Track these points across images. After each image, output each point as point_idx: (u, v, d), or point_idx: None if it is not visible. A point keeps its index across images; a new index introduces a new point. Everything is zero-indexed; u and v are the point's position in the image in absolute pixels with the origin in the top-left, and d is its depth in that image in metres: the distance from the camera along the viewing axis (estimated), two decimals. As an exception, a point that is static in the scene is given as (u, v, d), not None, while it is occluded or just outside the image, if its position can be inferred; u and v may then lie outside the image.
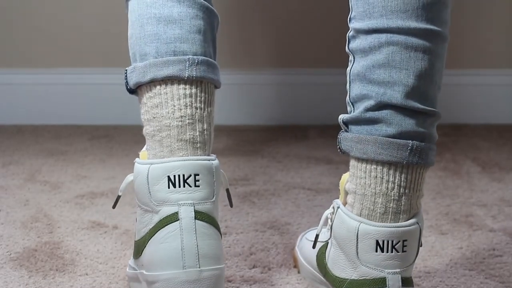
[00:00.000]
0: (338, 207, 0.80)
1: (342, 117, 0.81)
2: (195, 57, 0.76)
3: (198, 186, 0.75)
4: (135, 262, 0.84)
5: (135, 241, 0.83)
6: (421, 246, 0.80)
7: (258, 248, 1.03)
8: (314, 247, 0.87)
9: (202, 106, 0.77)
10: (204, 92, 0.77)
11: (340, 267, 0.80)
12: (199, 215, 0.75)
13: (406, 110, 0.76)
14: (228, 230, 1.10)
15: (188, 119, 0.76)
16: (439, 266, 0.97)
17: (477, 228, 1.11)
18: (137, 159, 0.80)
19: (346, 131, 0.81)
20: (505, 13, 1.77)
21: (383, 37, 0.76)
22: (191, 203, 0.75)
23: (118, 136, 1.67)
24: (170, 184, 0.74)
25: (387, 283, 0.76)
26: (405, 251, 0.77)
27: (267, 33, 1.76)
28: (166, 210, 0.75)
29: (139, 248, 0.81)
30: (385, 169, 0.76)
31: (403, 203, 0.77)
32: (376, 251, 0.76)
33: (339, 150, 0.81)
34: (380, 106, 0.76)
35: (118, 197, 0.87)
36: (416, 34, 0.76)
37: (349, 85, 0.80)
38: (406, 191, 0.77)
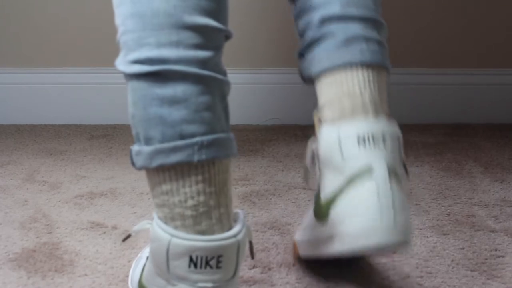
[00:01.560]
0: (321, 128, 0.84)
1: (296, 51, 0.89)
2: (204, 138, 0.70)
3: (220, 268, 0.70)
4: None
5: (143, 284, 0.81)
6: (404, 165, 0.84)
7: (258, 249, 1.03)
8: (306, 181, 0.92)
9: (217, 189, 0.71)
10: (217, 173, 0.71)
11: (329, 185, 0.82)
12: None
13: (346, 18, 0.84)
14: (228, 230, 1.09)
15: (202, 207, 0.70)
16: (441, 267, 0.97)
17: (479, 229, 1.10)
18: (155, 217, 0.73)
19: (301, 57, 0.88)
20: (506, 12, 1.76)
21: None
22: (210, 287, 0.71)
23: (117, 136, 1.66)
24: (192, 264, 0.70)
25: (373, 172, 0.78)
26: (387, 146, 0.79)
27: (267, 33, 1.75)
28: None
29: None
30: (342, 73, 0.82)
31: (367, 96, 0.81)
32: (359, 144, 0.79)
33: (302, 80, 0.89)
34: (324, 21, 0.84)
35: (129, 235, 0.84)
36: None
37: (296, 23, 0.89)
38: (366, 85, 0.82)
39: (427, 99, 1.78)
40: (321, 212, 0.84)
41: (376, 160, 0.78)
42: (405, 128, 1.72)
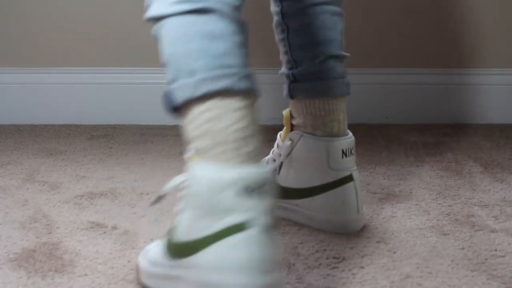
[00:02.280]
0: (302, 136, 1.09)
1: (289, 72, 1.11)
2: (242, 70, 0.77)
3: (264, 197, 0.75)
4: (172, 261, 0.84)
5: (179, 241, 0.81)
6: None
7: (258, 249, 1.03)
8: (279, 173, 1.14)
9: (253, 118, 0.77)
10: (252, 104, 0.78)
11: (305, 179, 1.09)
12: (265, 226, 0.75)
13: (339, 57, 1.09)
14: (228, 230, 1.09)
15: (243, 132, 0.76)
16: (441, 267, 0.97)
17: (479, 229, 1.10)
18: (193, 162, 0.78)
19: (294, 81, 1.11)
20: (507, 12, 1.76)
21: (317, 8, 1.08)
22: (258, 214, 0.75)
23: (117, 136, 1.66)
24: (239, 194, 0.74)
25: (353, 177, 1.07)
26: (353, 154, 1.08)
27: (267, 33, 1.75)
28: (233, 219, 0.75)
29: (189, 249, 0.80)
30: (333, 101, 1.08)
31: (344, 120, 1.09)
32: (342, 157, 1.06)
33: (289, 96, 1.12)
34: (326, 59, 1.08)
35: (160, 196, 0.85)
36: (335, 3, 1.09)
37: (289, 47, 1.12)
38: (343, 111, 1.09)
39: (427, 99, 1.78)
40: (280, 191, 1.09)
41: (353, 168, 1.07)
42: (405, 128, 1.72)
